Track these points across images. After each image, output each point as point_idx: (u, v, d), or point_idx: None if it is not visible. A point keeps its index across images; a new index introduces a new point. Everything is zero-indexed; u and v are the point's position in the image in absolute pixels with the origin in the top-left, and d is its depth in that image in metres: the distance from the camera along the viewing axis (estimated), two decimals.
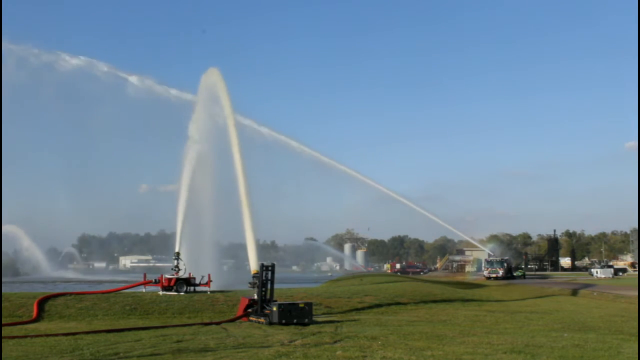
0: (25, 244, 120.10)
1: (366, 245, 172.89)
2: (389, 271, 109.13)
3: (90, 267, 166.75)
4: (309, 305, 20.02)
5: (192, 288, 29.39)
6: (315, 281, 70.86)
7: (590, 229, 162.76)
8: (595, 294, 37.51)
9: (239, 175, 28.17)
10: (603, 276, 72.86)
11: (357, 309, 25.82)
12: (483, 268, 76.07)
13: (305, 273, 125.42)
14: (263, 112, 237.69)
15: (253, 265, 24.90)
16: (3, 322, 19.47)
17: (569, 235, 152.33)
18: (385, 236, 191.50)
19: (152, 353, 12.76)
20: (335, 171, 62.07)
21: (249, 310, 21.22)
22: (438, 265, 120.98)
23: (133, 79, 45.42)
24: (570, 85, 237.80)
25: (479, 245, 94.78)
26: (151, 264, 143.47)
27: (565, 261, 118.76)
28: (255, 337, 15.78)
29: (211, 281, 29.96)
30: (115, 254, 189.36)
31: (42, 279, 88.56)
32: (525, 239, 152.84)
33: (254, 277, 21.88)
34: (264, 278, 20.94)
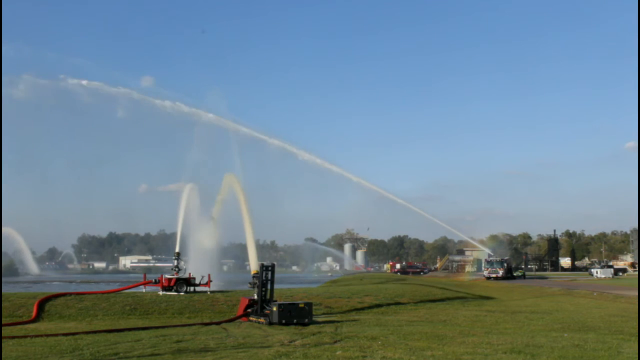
0: (17, 245, 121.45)
1: (366, 245, 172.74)
2: (389, 271, 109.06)
3: (90, 267, 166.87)
4: (309, 305, 20.01)
5: (192, 288, 29.40)
6: (315, 281, 70.92)
7: (590, 229, 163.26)
8: (595, 294, 37.48)
9: (244, 213, 29.56)
10: (603, 276, 72.80)
11: (357, 309, 25.81)
12: (483, 268, 76.00)
13: (305, 273, 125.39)
14: (262, 112, 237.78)
15: (253, 266, 24.91)
16: (3, 322, 19.47)
17: (569, 235, 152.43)
18: (385, 236, 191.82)
19: (152, 353, 12.75)
20: (336, 175, 62.44)
21: (249, 310, 21.21)
22: (438, 265, 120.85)
23: (126, 92, 46.42)
24: (570, 85, 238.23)
25: (479, 245, 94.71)
26: (151, 264, 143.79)
27: (565, 261, 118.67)
28: (255, 337, 15.77)
29: (211, 281, 30.00)
30: (115, 254, 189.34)
31: (36, 280, 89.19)
32: (525, 239, 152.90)
33: (254, 277, 21.88)
34: (264, 278, 20.93)
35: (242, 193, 31.79)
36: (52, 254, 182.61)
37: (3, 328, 17.94)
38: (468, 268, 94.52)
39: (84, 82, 45.51)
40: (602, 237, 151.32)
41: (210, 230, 36.45)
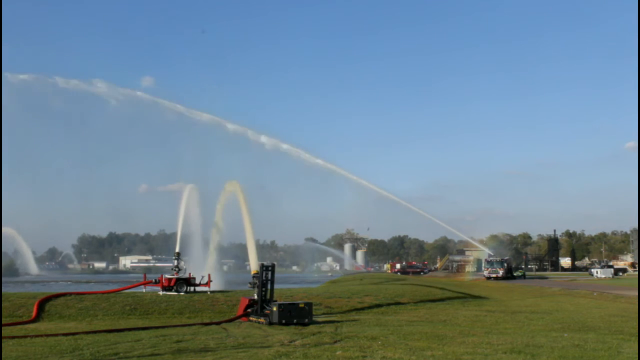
0: (17, 245, 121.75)
1: (366, 245, 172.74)
2: (389, 271, 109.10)
3: (90, 267, 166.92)
4: (309, 305, 20.00)
5: (192, 288, 29.38)
6: (315, 281, 70.95)
7: (590, 229, 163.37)
8: (595, 294, 37.47)
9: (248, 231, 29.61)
10: (603, 276, 72.80)
11: (357, 309, 25.80)
12: (483, 268, 76.00)
13: (305, 273, 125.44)
14: (262, 112, 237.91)
15: (253, 266, 24.91)
16: (3, 322, 19.47)
17: (569, 235, 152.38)
18: (385, 236, 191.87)
19: (152, 353, 12.75)
20: (336, 175, 62.61)
21: (249, 310, 21.21)
22: (438, 265, 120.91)
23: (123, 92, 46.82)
24: (570, 85, 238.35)
25: (479, 245, 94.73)
26: (151, 264, 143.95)
27: (565, 261, 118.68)
28: (255, 337, 15.76)
29: (211, 281, 29.99)
30: (115, 254, 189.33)
31: (36, 280, 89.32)
32: (525, 239, 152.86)
33: (254, 277, 21.89)
34: (264, 278, 20.93)
35: (243, 195, 31.88)
36: (52, 254, 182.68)
37: (3, 328, 17.93)
38: (468, 268, 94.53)
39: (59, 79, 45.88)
40: (602, 237, 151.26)
41: (213, 243, 36.98)
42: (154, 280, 29.98)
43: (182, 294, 28.00)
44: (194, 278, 29.97)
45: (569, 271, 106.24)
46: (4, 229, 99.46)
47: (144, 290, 29.29)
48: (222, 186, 36.81)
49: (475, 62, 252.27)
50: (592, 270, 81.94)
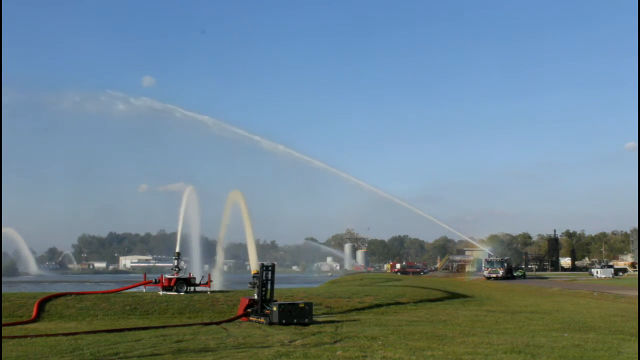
0: (17, 245, 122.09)
1: (366, 245, 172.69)
2: (389, 271, 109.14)
3: (91, 267, 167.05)
4: (309, 305, 19.99)
5: (192, 288, 29.38)
6: (315, 281, 71.01)
7: (590, 229, 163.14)
8: (595, 294, 37.47)
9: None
10: (603, 276, 72.80)
11: (357, 309, 25.81)
12: (483, 268, 76.03)
13: (306, 273, 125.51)
14: (261, 113, 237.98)
15: (253, 266, 24.92)
16: (3, 322, 19.47)
17: (569, 235, 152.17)
18: (386, 236, 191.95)
19: (152, 353, 12.75)
20: (336, 177, 62.83)
21: (249, 310, 21.21)
22: (438, 265, 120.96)
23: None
24: (570, 85, 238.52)
25: (478, 246, 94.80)
26: (151, 264, 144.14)
27: (566, 261, 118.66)
28: (255, 337, 15.76)
29: (211, 281, 29.99)
30: (115, 254, 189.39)
31: (36, 280, 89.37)
32: (525, 239, 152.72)
33: (254, 277, 21.89)
34: (264, 278, 20.92)
35: (244, 201, 32.03)
36: (52, 254, 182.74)
37: (3, 328, 17.92)
38: (468, 268, 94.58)
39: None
40: (602, 237, 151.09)
41: (220, 250, 37.36)
42: (154, 280, 29.96)
43: (182, 294, 27.99)
44: (194, 278, 29.98)
45: (569, 271, 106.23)
46: (4, 229, 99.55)
47: (144, 290, 29.29)
48: (222, 186, 37.01)
49: (474, 62, 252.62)
50: (592, 270, 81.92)
